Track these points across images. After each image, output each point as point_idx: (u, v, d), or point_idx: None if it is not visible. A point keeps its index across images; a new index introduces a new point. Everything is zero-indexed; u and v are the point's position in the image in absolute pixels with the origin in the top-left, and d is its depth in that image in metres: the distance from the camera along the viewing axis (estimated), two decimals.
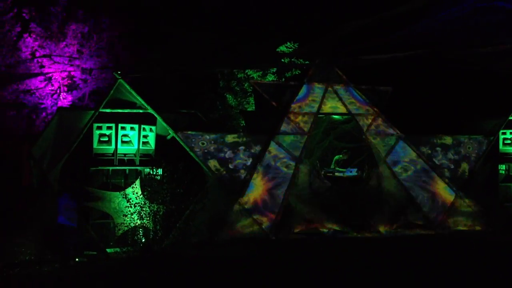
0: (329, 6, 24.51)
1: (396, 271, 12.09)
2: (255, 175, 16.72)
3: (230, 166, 16.66)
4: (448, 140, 18.94)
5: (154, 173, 15.33)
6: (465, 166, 18.80)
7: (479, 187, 18.58)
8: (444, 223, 17.77)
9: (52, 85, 21.77)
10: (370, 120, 18.36)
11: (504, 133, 19.52)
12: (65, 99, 21.83)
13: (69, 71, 21.72)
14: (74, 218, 13.39)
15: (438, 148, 18.74)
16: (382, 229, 17.04)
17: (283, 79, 24.16)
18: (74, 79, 22.19)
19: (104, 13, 22.32)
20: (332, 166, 18.73)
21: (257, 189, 16.64)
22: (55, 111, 18.77)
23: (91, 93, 23.02)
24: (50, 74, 21.52)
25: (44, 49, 21.43)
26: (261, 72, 24.18)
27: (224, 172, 16.48)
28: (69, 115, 16.00)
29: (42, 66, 21.51)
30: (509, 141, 19.58)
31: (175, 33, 23.66)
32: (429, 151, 18.65)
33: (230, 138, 16.93)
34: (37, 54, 21.45)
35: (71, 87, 22.13)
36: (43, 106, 21.71)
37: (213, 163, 16.45)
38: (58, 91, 21.80)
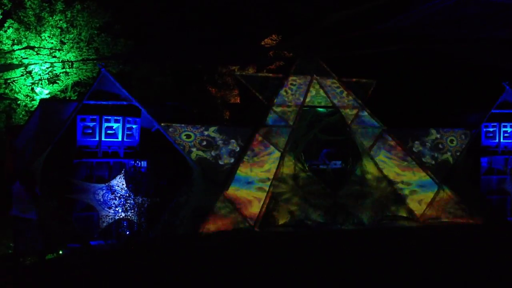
0: None
1: (379, 263, 12.19)
2: (239, 167, 16.73)
3: (215, 158, 16.64)
4: (431, 133, 19.08)
5: (139, 165, 15.24)
6: (448, 158, 18.98)
7: (461, 179, 18.78)
8: (427, 215, 17.95)
9: (33, 78, 21.53)
10: (354, 113, 18.44)
11: (486, 126, 19.73)
12: (45, 89, 21.59)
13: (51, 63, 21.48)
14: (27, 209, 11.90)
15: (421, 141, 18.87)
16: (365, 221, 17.17)
17: (264, 70, 24.07)
18: (55, 71, 21.96)
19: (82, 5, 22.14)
20: (321, 159, 18.74)
21: (242, 181, 16.64)
22: (36, 103, 18.53)
23: (74, 85, 22.84)
24: (31, 66, 21.28)
25: (24, 42, 21.17)
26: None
27: (209, 164, 16.45)
28: (52, 107, 15.82)
29: (23, 58, 21.24)
30: (491, 134, 19.79)
31: (159, 26, 23.50)
32: (412, 144, 18.78)
33: (214, 130, 16.90)
34: (18, 46, 21.19)
35: (52, 79, 21.90)
36: (23, 98, 21.45)
37: (197, 155, 16.42)
38: (38, 83, 21.56)
